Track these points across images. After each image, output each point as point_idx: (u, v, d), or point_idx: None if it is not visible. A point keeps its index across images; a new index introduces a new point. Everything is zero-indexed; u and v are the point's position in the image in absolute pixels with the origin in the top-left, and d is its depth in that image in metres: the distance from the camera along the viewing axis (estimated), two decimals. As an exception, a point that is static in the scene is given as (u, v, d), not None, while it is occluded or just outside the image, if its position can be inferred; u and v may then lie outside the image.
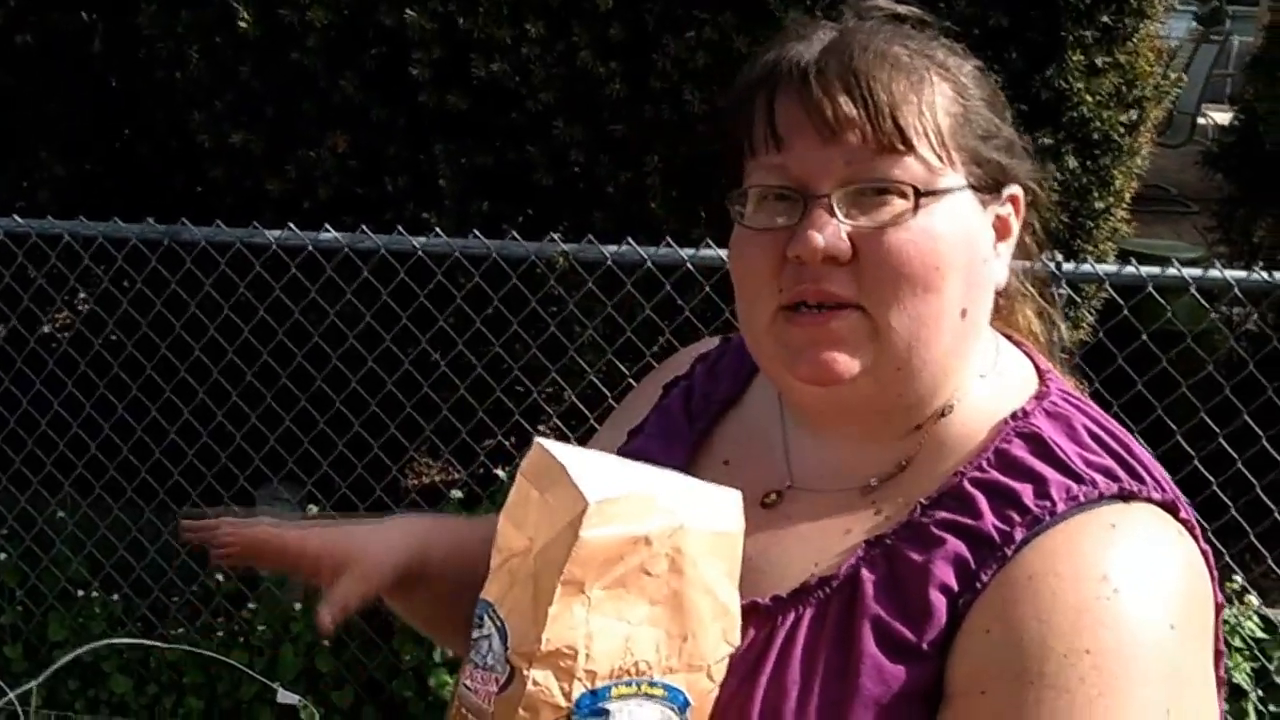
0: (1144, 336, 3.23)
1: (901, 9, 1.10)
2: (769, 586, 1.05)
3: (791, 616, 1.02)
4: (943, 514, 1.01)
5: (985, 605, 0.95)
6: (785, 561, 1.06)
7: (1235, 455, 3.29)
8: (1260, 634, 3.42)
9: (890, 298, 1.00)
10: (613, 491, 0.94)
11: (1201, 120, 9.17)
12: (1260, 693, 3.40)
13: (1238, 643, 3.38)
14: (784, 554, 1.07)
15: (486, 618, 0.98)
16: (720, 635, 0.98)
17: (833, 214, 1.00)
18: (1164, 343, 3.33)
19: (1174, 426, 3.26)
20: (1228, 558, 3.38)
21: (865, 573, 1.01)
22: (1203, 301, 3.32)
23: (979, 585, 0.96)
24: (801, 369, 1.03)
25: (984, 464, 1.02)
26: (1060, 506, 0.97)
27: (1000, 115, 1.08)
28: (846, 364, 1.02)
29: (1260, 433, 3.26)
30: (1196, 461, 3.27)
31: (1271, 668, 3.39)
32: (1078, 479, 0.99)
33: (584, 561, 0.92)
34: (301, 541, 1.20)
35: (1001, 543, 0.97)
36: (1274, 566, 3.41)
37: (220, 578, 3.88)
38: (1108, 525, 0.96)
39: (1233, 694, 3.38)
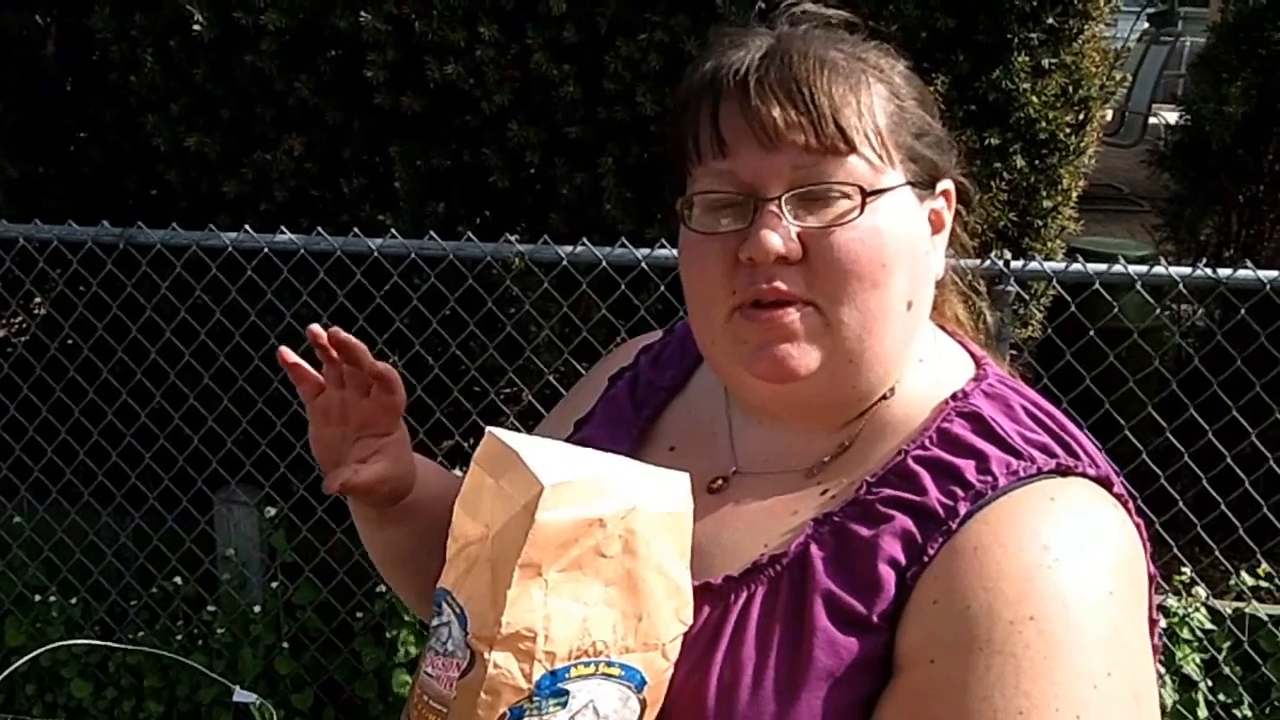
0: (1092, 333, 3.28)
1: (832, 14, 1.13)
2: (720, 568, 1.08)
3: (744, 595, 1.05)
4: (888, 491, 1.05)
5: (932, 577, 0.99)
6: (735, 543, 1.10)
7: (1183, 449, 3.34)
8: (1209, 625, 3.47)
9: (841, 294, 1.04)
10: (566, 475, 0.96)
11: (1153, 120, 9.26)
12: (1209, 683, 3.45)
13: (1186, 634, 3.43)
14: (733, 536, 1.10)
15: (445, 605, 0.99)
16: (673, 614, 1.01)
17: (782, 216, 1.03)
18: (1112, 339, 3.38)
19: (1122, 421, 3.31)
20: (1176, 550, 3.43)
21: (815, 549, 1.04)
22: (1149, 299, 3.37)
23: (926, 558, 1.00)
24: (760, 366, 1.06)
25: (926, 442, 1.06)
26: (1002, 481, 1.01)
27: (930, 113, 1.12)
28: (803, 359, 1.05)
29: (1206, 427, 3.32)
30: (1145, 455, 3.32)
31: (1220, 658, 3.44)
32: (1017, 455, 1.03)
33: (540, 544, 0.94)
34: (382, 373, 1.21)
35: (946, 516, 1.01)
36: (1221, 558, 3.46)
37: (179, 580, 3.87)
38: (1047, 498, 1.00)
39: (1182, 685, 3.44)
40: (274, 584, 3.79)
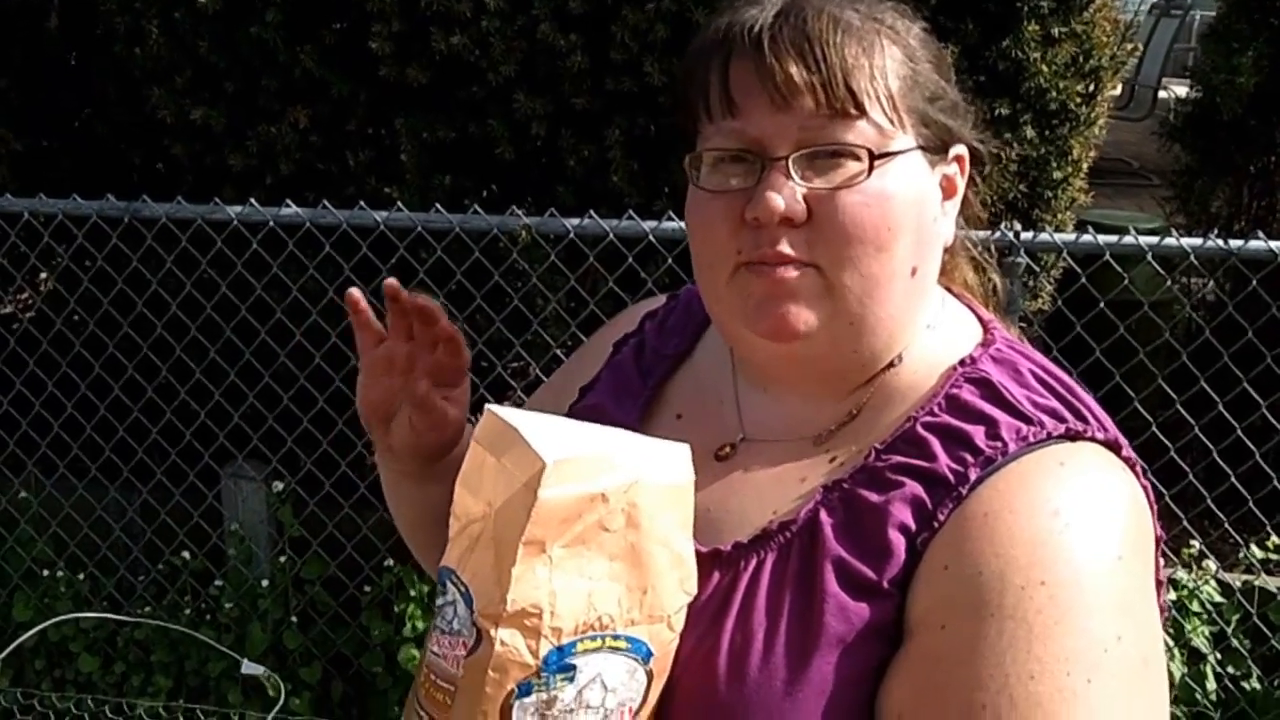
0: (1102, 305, 3.26)
1: None
2: (729, 534, 1.07)
3: (754, 561, 1.04)
4: (897, 458, 1.04)
5: (943, 543, 0.98)
6: (743, 510, 1.09)
7: (1193, 421, 3.33)
8: (1218, 598, 3.46)
9: (844, 257, 1.02)
10: (568, 451, 0.95)
11: (1163, 94, 9.21)
12: (1219, 656, 3.44)
13: (1195, 607, 3.43)
14: (741, 504, 1.10)
15: (449, 584, 0.99)
16: (678, 585, 1.00)
17: (789, 176, 1.02)
18: (1122, 311, 3.36)
19: (1132, 394, 3.30)
20: (1185, 523, 3.42)
21: (824, 516, 1.04)
22: (1160, 270, 3.35)
23: (936, 524, 0.99)
24: (761, 324, 1.05)
25: (935, 409, 1.06)
26: (1011, 447, 1.01)
27: (946, 77, 1.10)
28: (803, 318, 1.04)
29: (1217, 399, 3.30)
30: (1155, 428, 3.31)
31: (1229, 631, 3.44)
32: (1027, 420, 1.02)
33: (544, 521, 0.93)
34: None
35: (956, 483, 1.00)
36: (1231, 531, 3.45)
37: (187, 555, 3.88)
38: (1057, 463, 1.00)
39: (1191, 657, 3.43)
40: (282, 558, 3.80)
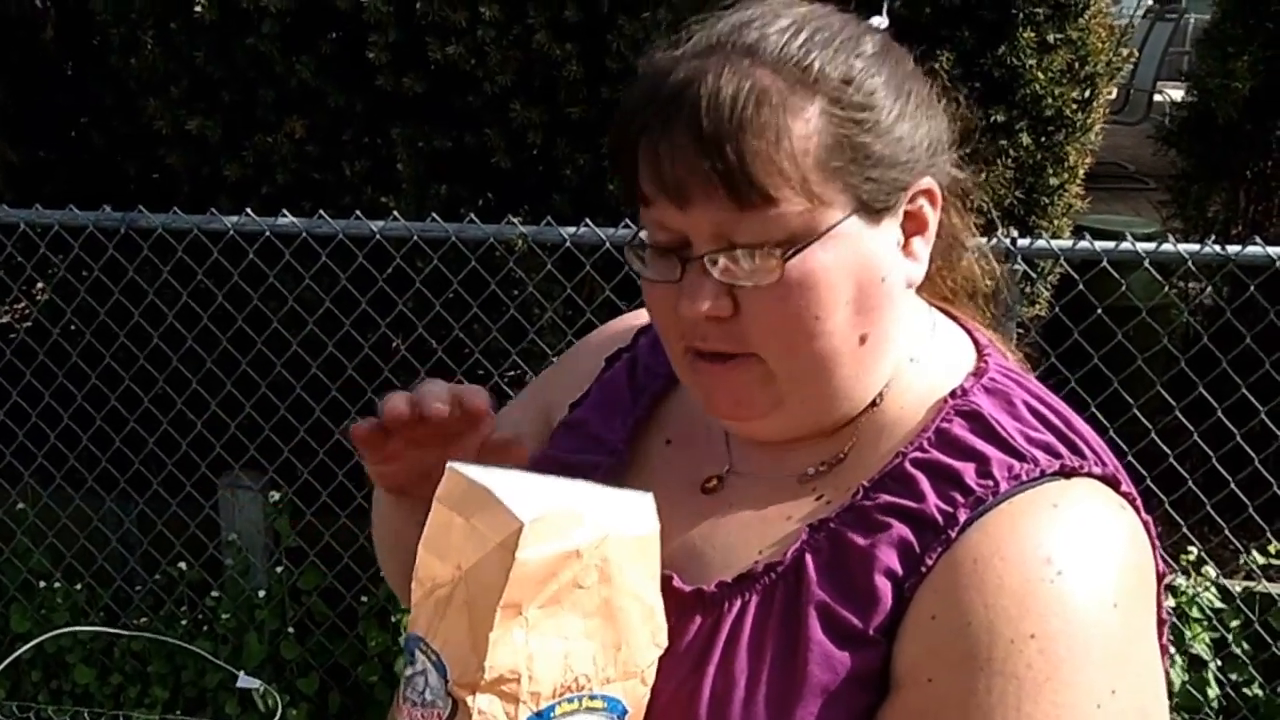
0: (1099, 311, 3.26)
1: None
2: (713, 573, 1.04)
3: (737, 604, 1.01)
4: (885, 497, 1.00)
5: (931, 589, 0.95)
6: (728, 547, 1.06)
7: (1191, 428, 3.32)
8: (1218, 604, 3.46)
9: (779, 349, 0.99)
10: (540, 509, 0.92)
11: (1158, 97, 9.23)
12: (1219, 663, 3.44)
13: (1195, 614, 3.42)
14: (727, 540, 1.06)
15: (418, 652, 0.96)
16: (650, 639, 0.98)
17: (708, 273, 0.97)
18: (1120, 317, 3.36)
19: (1130, 400, 3.29)
20: (1185, 529, 3.42)
21: (810, 558, 1.00)
22: (1157, 276, 3.35)
23: (924, 569, 0.96)
24: (715, 409, 1.05)
25: (925, 444, 1.02)
26: (1003, 486, 0.97)
27: (899, 109, 1.00)
28: (754, 408, 1.03)
29: (1215, 405, 3.30)
30: (1154, 434, 3.30)
31: (1229, 638, 3.43)
32: (1019, 456, 0.98)
33: (521, 582, 0.91)
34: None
35: (945, 525, 0.96)
36: (1230, 537, 3.45)
37: (183, 565, 3.87)
38: (1050, 505, 0.96)
39: (1192, 664, 3.43)
40: (278, 569, 3.79)
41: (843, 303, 0.98)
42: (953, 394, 1.04)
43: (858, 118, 0.97)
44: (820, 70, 0.96)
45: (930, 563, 0.95)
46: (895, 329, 1.05)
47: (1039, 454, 0.98)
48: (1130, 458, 3.19)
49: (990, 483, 0.97)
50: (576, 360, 1.29)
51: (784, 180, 0.94)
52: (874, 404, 1.05)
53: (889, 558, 0.97)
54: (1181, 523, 3.38)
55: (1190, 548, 3.48)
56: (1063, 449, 0.99)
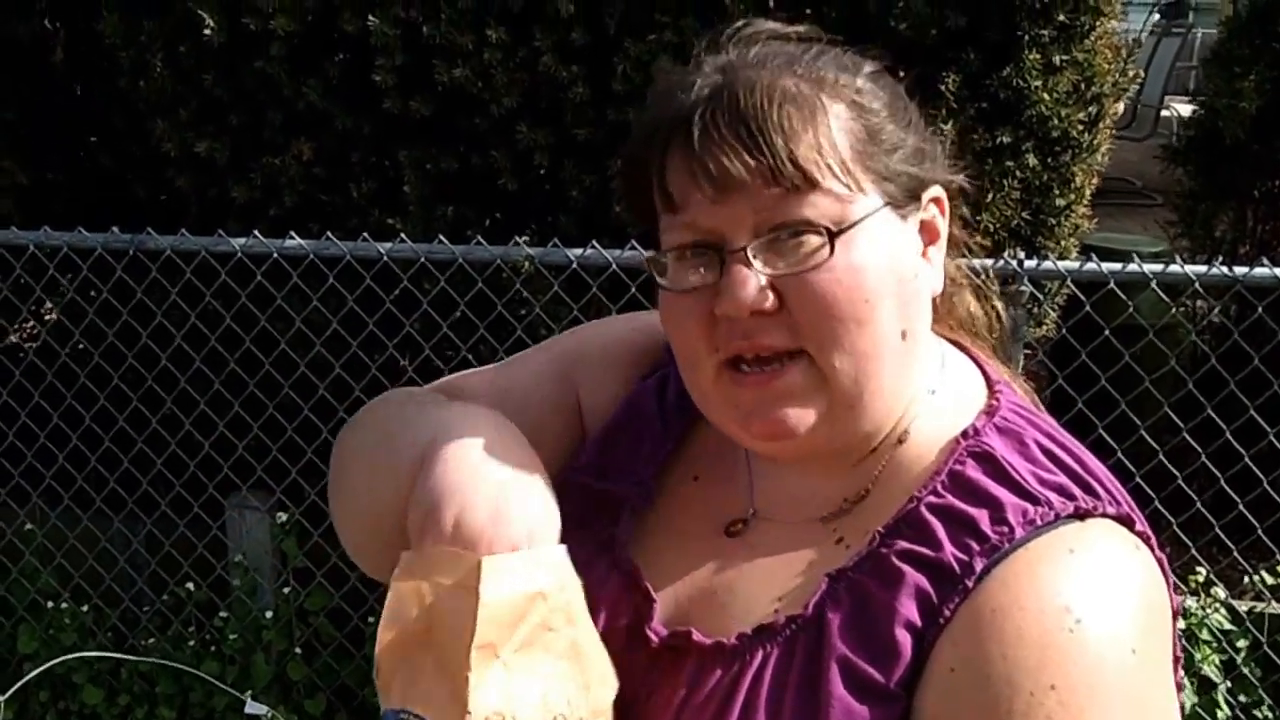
0: (1107, 332, 3.25)
1: (787, 29, 1.07)
2: (732, 622, 1.03)
3: (758, 657, 1.00)
4: (902, 544, 0.99)
5: (950, 641, 0.95)
6: (749, 595, 1.05)
7: (1200, 449, 3.31)
8: (1228, 626, 3.44)
9: (828, 339, 0.98)
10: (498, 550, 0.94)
11: (1165, 113, 9.22)
12: (1229, 684, 3.42)
13: (1205, 635, 3.41)
14: (747, 587, 1.06)
15: None
16: (607, 678, 0.99)
17: (750, 265, 0.97)
18: (1127, 337, 3.35)
19: (1138, 421, 3.29)
20: (1194, 550, 3.40)
21: (830, 611, 1.00)
22: (1164, 297, 3.34)
23: (942, 620, 0.95)
24: (755, 427, 1.02)
25: (939, 487, 1.01)
26: (1018, 532, 0.97)
27: (904, 120, 1.05)
28: (800, 417, 1.00)
29: (1224, 426, 3.29)
30: (1161, 456, 3.30)
31: (1239, 659, 3.42)
32: (1033, 500, 0.98)
33: (492, 623, 0.91)
34: None
35: (962, 574, 0.96)
36: (1239, 558, 3.44)
37: (191, 586, 3.87)
38: (1066, 550, 0.96)
39: (1202, 686, 3.41)
40: (286, 589, 3.79)
41: (889, 289, 0.99)
42: (965, 434, 1.04)
43: (876, 120, 1.01)
44: (835, 80, 1.01)
45: (949, 614, 0.95)
46: (925, 334, 1.06)
47: (1053, 496, 0.98)
48: (1139, 479, 3.19)
49: (1005, 529, 0.97)
50: (607, 350, 1.24)
51: (823, 164, 0.97)
52: (900, 441, 1.05)
53: (908, 609, 0.96)
54: (1190, 544, 3.37)
55: (1199, 569, 3.46)
56: (1076, 490, 0.99)
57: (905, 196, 1.03)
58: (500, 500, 0.97)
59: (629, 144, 1.05)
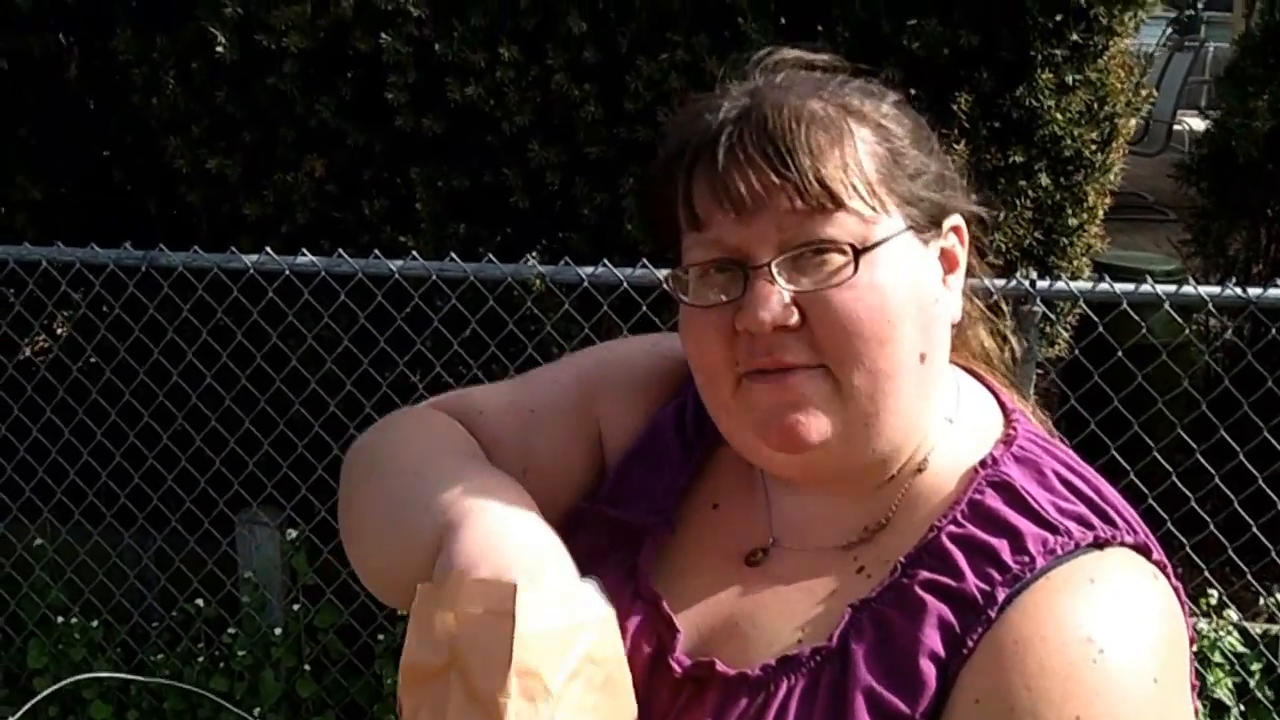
0: (1119, 354, 3.24)
1: (813, 57, 1.09)
2: (756, 654, 1.03)
3: (783, 688, 1.00)
4: (924, 573, 1.00)
5: (973, 672, 0.95)
6: (772, 626, 1.05)
7: (1213, 470, 3.30)
8: (1240, 648, 3.43)
9: (847, 357, 0.99)
10: (532, 580, 0.92)
11: (1177, 127, 9.21)
12: (1242, 708, 3.40)
13: (1217, 658, 3.39)
14: (770, 618, 1.06)
15: None
16: (632, 711, 0.98)
17: (774, 282, 0.98)
18: (1140, 356, 3.34)
19: (1150, 443, 3.27)
20: (1206, 572, 3.39)
21: (854, 641, 1.00)
22: (1177, 317, 3.33)
23: (965, 650, 0.96)
24: (772, 436, 1.01)
25: (959, 516, 1.02)
26: (1039, 561, 0.97)
27: (927, 148, 1.06)
28: (816, 426, 1.00)
29: (1237, 447, 3.28)
30: (1174, 477, 3.28)
31: (1252, 683, 3.40)
32: (1053, 529, 0.99)
33: (532, 647, 0.90)
34: None
35: (985, 605, 0.96)
36: (1253, 581, 3.42)
37: (200, 603, 3.87)
38: (1087, 580, 0.96)
39: (1214, 710, 3.39)
40: (295, 606, 3.78)
41: (910, 311, 1.01)
42: (983, 463, 1.05)
43: (900, 144, 1.03)
44: (860, 105, 1.03)
45: (971, 644, 0.96)
46: (944, 360, 1.07)
47: (1072, 525, 0.99)
48: (1151, 500, 3.17)
49: (1026, 558, 0.98)
50: (629, 379, 1.22)
51: (849, 184, 0.99)
52: (919, 469, 1.06)
53: (932, 640, 0.97)
54: (1203, 566, 3.36)
55: (1211, 591, 3.45)
56: (1095, 519, 1.00)
57: (927, 222, 1.04)
58: (535, 565, 0.96)
59: (654, 164, 1.07)
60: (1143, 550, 1.00)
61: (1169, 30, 9.88)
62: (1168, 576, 1.01)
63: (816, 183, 0.98)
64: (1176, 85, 9.43)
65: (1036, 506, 1.00)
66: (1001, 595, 0.96)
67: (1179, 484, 3.27)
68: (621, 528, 1.13)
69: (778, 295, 0.98)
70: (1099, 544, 0.98)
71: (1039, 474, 1.04)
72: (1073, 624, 0.94)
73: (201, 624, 3.88)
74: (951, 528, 1.01)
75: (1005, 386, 1.16)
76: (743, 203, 0.98)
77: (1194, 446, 3.31)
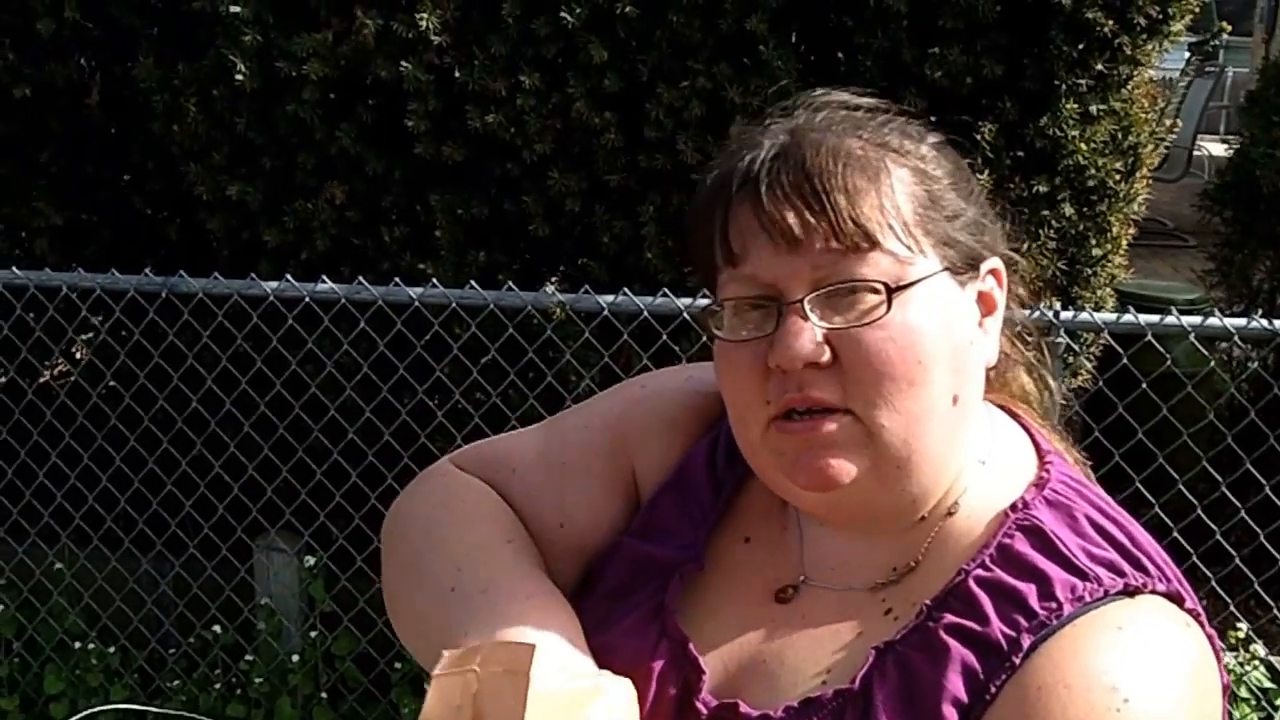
0: (1144, 386, 3.22)
1: (856, 100, 1.09)
2: (779, 693, 1.03)
3: None
4: (950, 617, 0.99)
5: (997, 719, 0.94)
6: (796, 666, 1.05)
7: (1239, 504, 3.27)
8: (1267, 683, 3.39)
9: (877, 398, 0.98)
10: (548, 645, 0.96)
11: (1197, 153, 9.18)
12: (1267, 742, 3.37)
13: (1244, 693, 3.35)
14: (795, 658, 1.05)
15: None
16: None
17: (806, 318, 0.98)
18: (1164, 387, 3.31)
19: (1175, 475, 3.24)
20: (1232, 606, 3.35)
21: (876, 685, 0.99)
22: (1201, 348, 3.30)
23: (989, 697, 0.95)
24: (799, 476, 1.01)
25: (987, 560, 1.01)
26: (1066, 608, 0.96)
27: (966, 190, 1.06)
28: (843, 468, 1.00)
29: (1263, 480, 3.25)
30: (1199, 510, 3.25)
31: (1277, 718, 3.36)
32: (1082, 576, 0.98)
33: (546, 705, 0.91)
34: None
35: (1009, 651, 0.96)
36: (1279, 614, 3.38)
37: (217, 629, 3.86)
38: (1114, 627, 0.95)
39: (1239, 744, 3.36)
40: (313, 633, 3.77)
41: (943, 353, 1.00)
42: (1014, 506, 1.04)
43: (938, 186, 1.03)
44: (899, 145, 1.04)
45: (995, 690, 0.95)
46: (977, 404, 1.06)
47: (1102, 572, 0.98)
48: (1176, 533, 3.14)
49: (1053, 604, 0.97)
50: (663, 416, 1.20)
51: (884, 223, 0.99)
52: (950, 513, 1.05)
53: (955, 686, 0.96)
54: (1229, 600, 3.32)
55: (1238, 625, 3.41)
56: (1126, 566, 0.99)
57: (964, 264, 1.04)
58: (567, 653, 0.99)
59: (694, 198, 1.07)
60: (1175, 598, 0.99)
61: (1190, 57, 9.86)
62: (1201, 625, 1.00)
63: (851, 222, 0.98)
64: (1197, 110, 9.41)
65: (1066, 552, 1.00)
66: (1027, 642, 0.95)
67: (1204, 517, 3.24)
68: (650, 563, 1.12)
69: (810, 332, 0.98)
70: (1129, 591, 0.97)
71: (1070, 518, 1.03)
72: (1098, 671, 0.93)
73: (219, 650, 3.87)
74: (979, 571, 1.01)
75: (1043, 426, 1.15)
76: (778, 240, 0.99)
77: (1219, 479, 3.27)
